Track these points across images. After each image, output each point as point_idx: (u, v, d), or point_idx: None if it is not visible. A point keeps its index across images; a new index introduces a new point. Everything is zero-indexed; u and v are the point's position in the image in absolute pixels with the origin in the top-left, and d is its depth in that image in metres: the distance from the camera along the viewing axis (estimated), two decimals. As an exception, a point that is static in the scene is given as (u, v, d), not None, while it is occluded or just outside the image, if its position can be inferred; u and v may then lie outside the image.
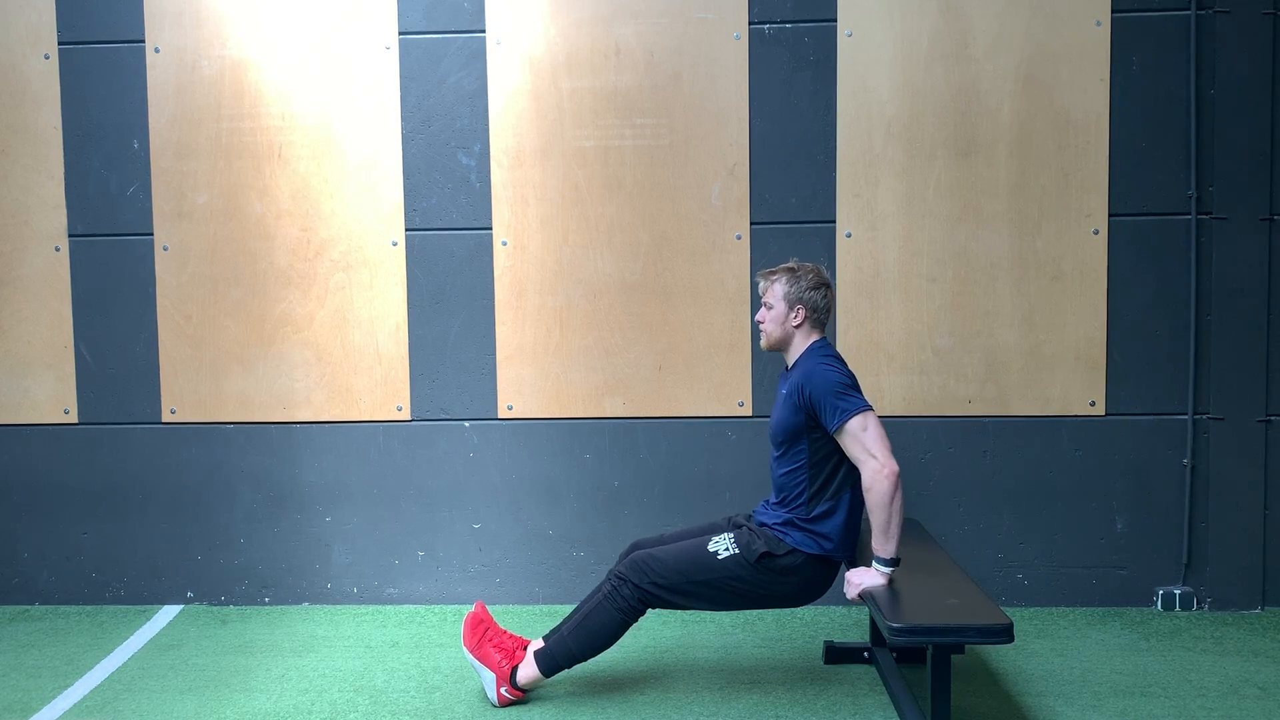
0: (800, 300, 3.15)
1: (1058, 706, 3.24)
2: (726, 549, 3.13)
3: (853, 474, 3.08)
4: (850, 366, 4.12)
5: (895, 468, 2.89)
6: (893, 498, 2.89)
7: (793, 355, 3.19)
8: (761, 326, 3.22)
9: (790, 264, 3.23)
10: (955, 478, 4.16)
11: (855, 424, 2.95)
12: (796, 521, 3.10)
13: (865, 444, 2.93)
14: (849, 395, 3.00)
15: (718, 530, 3.25)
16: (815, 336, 3.19)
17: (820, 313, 3.18)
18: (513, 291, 4.21)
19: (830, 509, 3.09)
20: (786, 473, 3.14)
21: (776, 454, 3.18)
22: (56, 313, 4.28)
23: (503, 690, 3.23)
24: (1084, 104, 4.04)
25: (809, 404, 3.04)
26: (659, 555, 3.18)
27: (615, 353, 4.19)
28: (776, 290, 3.18)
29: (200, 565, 4.33)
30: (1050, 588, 4.17)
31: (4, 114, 4.24)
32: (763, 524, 3.18)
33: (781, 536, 3.11)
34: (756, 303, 4.12)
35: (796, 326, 3.17)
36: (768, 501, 3.24)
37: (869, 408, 3.00)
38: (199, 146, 4.21)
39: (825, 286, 3.19)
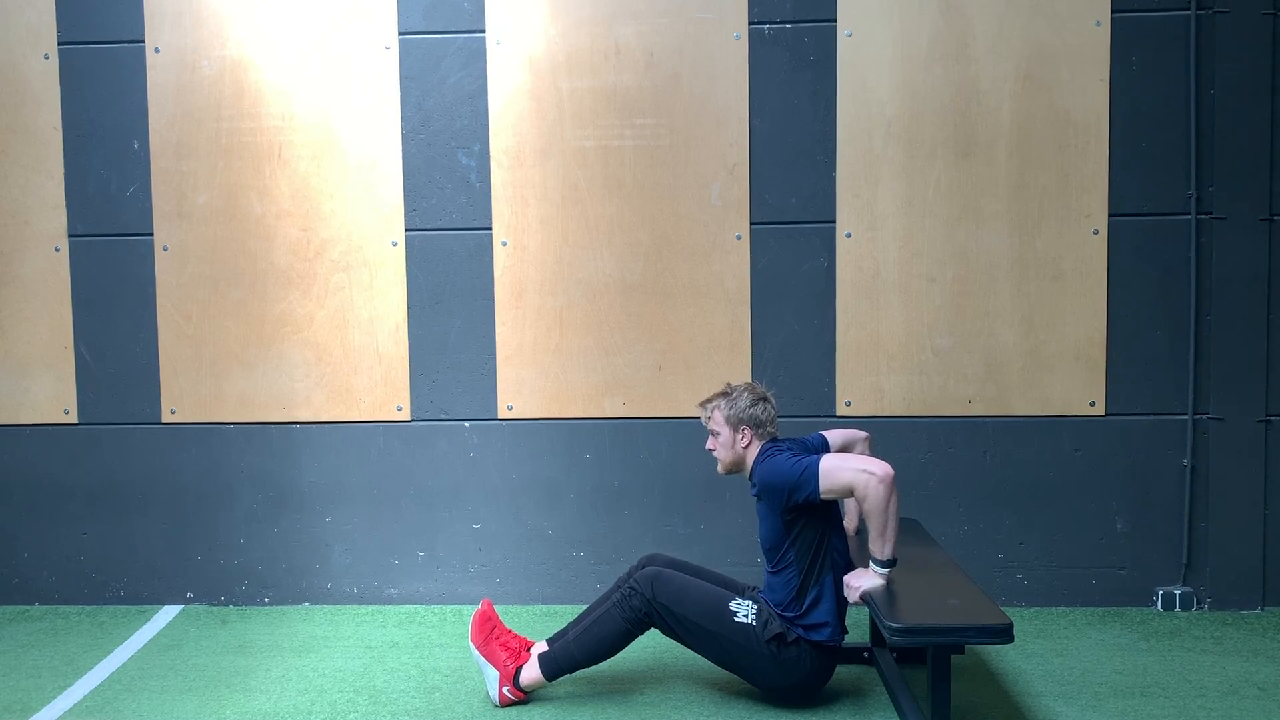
0: (742, 421, 3.20)
1: (1058, 706, 3.24)
2: (746, 616, 3.15)
3: (832, 552, 3.15)
4: (851, 366, 4.14)
5: (887, 470, 2.90)
6: (888, 501, 2.89)
7: (748, 469, 3.24)
8: (714, 454, 3.27)
9: (724, 388, 3.28)
10: (955, 478, 4.16)
11: (826, 464, 2.97)
12: (794, 621, 3.14)
13: (847, 467, 2.95)
14: (802, 459, 3.03)
15: (741, 593, 3.27)
16: (762, 444, 3.23)
17: (765, 426, 3.22)
18: (513, 291, 4.21)
19: (818, 596, 3.13)
20: (778, 574, 3.18)
21: (768, 561, 3.22)
22: (56, 313, 4.28)
23: (505, 690, 3.24)
24: (1084, 104, 4.04)
25: (783, 498, 3.06)
26: (679, 582, 3.19)
27: (615, 353, 4.19)
28: (717, 417, 3.23)
29: (200, 565, 4.33)
30: (1050, 588, 4.17)
31: (4, 114, 4.24)
32: (773, 611, 3.20)
33: (789, 627, 3.15)
34: (757, 303, 4.14)
35: (745, 447, 3.22)
36: (765, 596, 3.26)
37: (824, 454, 3.05)
38: (199, 146, 4.21)
39: (764, 401, 3.23)
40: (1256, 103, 4.01)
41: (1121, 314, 4.09)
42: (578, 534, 4.26)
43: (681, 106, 4.12)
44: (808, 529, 3.09)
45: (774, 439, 3.24)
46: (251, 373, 4.26)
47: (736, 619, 3.14)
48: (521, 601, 4.28)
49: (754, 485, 3.19)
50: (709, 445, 3.27)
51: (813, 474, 2.97)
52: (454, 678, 3.53)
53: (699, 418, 3.34)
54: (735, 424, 3.20)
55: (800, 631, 3.13)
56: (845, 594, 3.04)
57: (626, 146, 4.14)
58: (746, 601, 3.19)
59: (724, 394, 3.25)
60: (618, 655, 3.28)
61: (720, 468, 3.28)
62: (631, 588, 3.20)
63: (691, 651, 3.47)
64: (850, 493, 2.96)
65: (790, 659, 3.12)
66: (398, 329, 4.24)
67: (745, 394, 3.22)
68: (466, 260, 4.22)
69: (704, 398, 3.32)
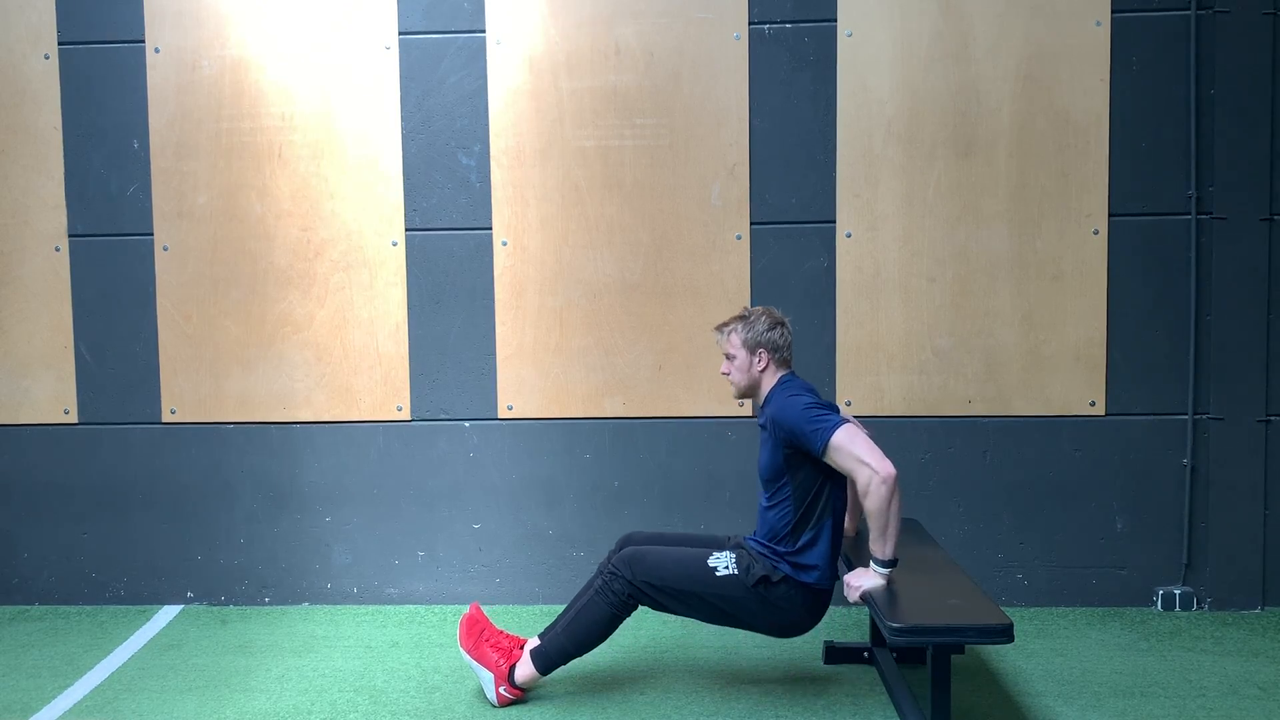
0: (760, 344, 3.17)
1: (1058, 706, 3.24)
2: (726, 567, 3.14)
3: (833, 500, 3.13)
4: (851, 366, 4.14)
5: (892, 470, 2.89)
6: (890, 501, 2.88)
7: (763, 395, 3.22)
8: (729, 378, 3.25)
9: (741, 312, 3.25)
10: (955, 478, 4.16)
11: (839, 438, 2.95)
12: (784, 556, 3.13)
13: (855, 454, 2.93)
14: (822, 416, 3.00)
15: (719, 546, 3.26)
16: (782, 372, 3.21)
17: (782, 351, 3.20)
18: (513, 291, 4.21)
19: (813, 538, 3.11)
20: (773, 508, 3.16)
21: (764, 492, 3.21)
22: (56, 313, 4.28)
23: (501, 690, 3.24)
24: (1084, 104, 4.04)
25: (788, 438, 3.05)
26: (656, 556, 3.18)
27: (615, 353, 4.19)
28: (734, 340, 3.20)
29: (200, 565, 4.33)
30: (1050, 588, 4.17)
31: (4, 114, 4.24)
32: (756, 552, 3.19)
33: (775, 565, 3.13)
34: (757, 303, 4.13)
35: (762, 370, 3.19)
36: (754, 537, 3.25)
37: (845, 421, 3.01)
38: (199, 146, 4.21)
39: (781, 325, 3.21)
40: (1256, 103, 4.01)
41: (1121, 314, 4.09)
42: (577, 534, 4.26)
43: (681, 106, 4.12)
44: (807, 468, 3.07)
45: (792, 372, 3.22)
46: (251, 373, 4.26)
47: (718, 574, 3.13)
48: (521, 601, 4.28)
49: (763, 414, 3.17)
50: (724, 369, 3.24)
51: (825, 436, 2.95)
52: (454, 678, 3.53)
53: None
54: (752, 347, 3.17)
55: (787, 569, 3.10)
56: (845, 594, 3.03)
57: (626, 146, 4.14)
58: (725, 553, 3.17)
59: (741, 317, 3.21)
60: (618, 654, 3.28)
61: (734, 391, 3.24)
62: (612, 571, 3.19)
63: (691, 651, 3.47)
64: (850, 476, 2.96)
65: (779, 598, 3.10)
66: (398, 329, 4.24)
67: (763, 317, 3.19)
68: (466, 260, 4.22)
69: (720, 323, 3.27)
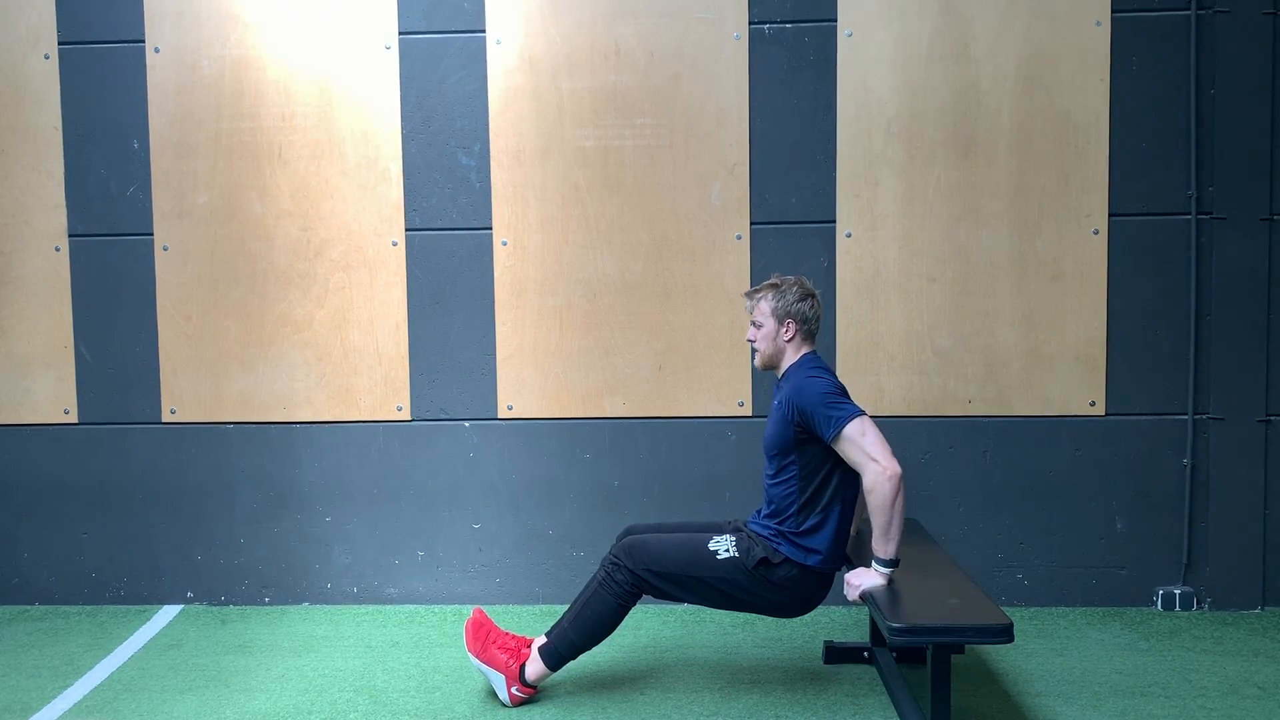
0: (789, 314, 3.16)
1: (1058, 706, 3.24)
2: (727, 550, 3.13)
3: (842, 488, 3.11)
4: (851, 366, 4.14)
5: (898, 469, 2.89)
6: (894, 500, 2.88)
7: (783, 368, 3.20)
8: (754, 345, 3.23)
9: (773, 279, 3.23)
10: (955, 478, 4.16)
11: (852, 430, 2.94)
12: (787, 535, 3.11)
13: (865, 448, 2.92)
14: (840, 404, 2.99)
15: (718, 530, 3.25)
16: (806, 349, 3.19)
17: (810, 323, 3.18)
18: (513, 291, 4.21)
19: (819, 523, 3.10)
20: (778, 484, 3.15)
21: (769, 467, 3.19)
22: (56, 313, 4.28)
23: (513, 690, 3.23)
24: (1084, 104, 4.04)
25: (800, 417, 3.04)
26: (656, 543, 3.19)
27: (615, 353, 4.19)
28: (764, 308, 3.18)
29: (200, 565, 4.33)
30: (1050, 588, 4.17)
31: (4, 114, 4.24)
32: (756, 534, 3.19)
33: (776, 547, 3.12)
34: (756, 303, 4.13)
35: (788, 340, 3.17)
36: (759, 513, 3.24)
37: (862, 413, 2.99)
38: (199, 146, 4.21)
39: (811, 297, 3.19)
40: (1256, 103, 4.01)
41: (1121, 314, 4.09)
42: (577, 534, 4.26)
43: (681, 106, 4.12)
44: (814, 447, 3.07)
45: (815, 352, 3.20)
46: (251, 373, 4.26)
47: (719, 557, 3.12)
48: (521, 601, 4.28)
49: (780, 388, 3.16)
50: (750, 336, 3.22)
51: (839, 425, 2.95)
52: (454, 678, 3.53)
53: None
54: (781, 317, 3.15)
55: (789, 549, 3.09)
56: (845, 592, 3.03)
57: (626, 146, 4.14)
58: (725, 536, 3.16)
59: (773, 285, 3.19)
60: (618, 654, 3.28)
61: (758, 360, 3.22)
62: (613, 561, 3.19)
63: (691, 651, 3.47)
64: (856, 469, 2.96)
65: (781, 579, 3.10)
66: (398, 329, 4.24)
67: (795, 287, 3.17)
68: (466, 260, 4.22)
69: (751, 289, 3.25)
